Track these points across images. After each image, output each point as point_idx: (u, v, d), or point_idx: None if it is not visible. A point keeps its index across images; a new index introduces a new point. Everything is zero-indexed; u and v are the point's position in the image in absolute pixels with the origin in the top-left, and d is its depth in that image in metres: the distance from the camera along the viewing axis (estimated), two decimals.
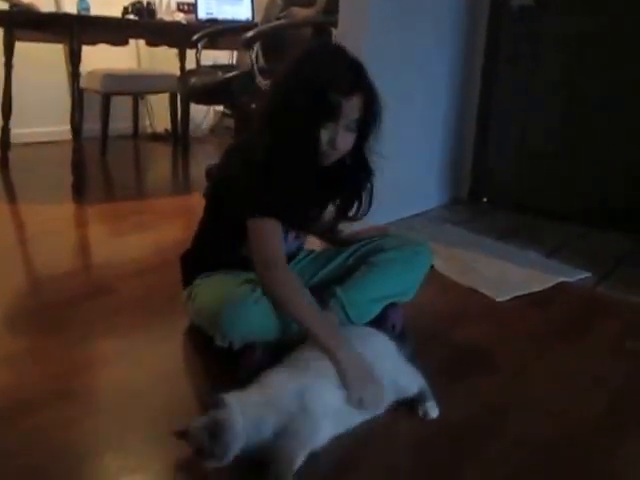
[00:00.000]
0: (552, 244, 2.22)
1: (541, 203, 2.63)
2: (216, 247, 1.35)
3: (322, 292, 1.30)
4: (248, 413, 0.97)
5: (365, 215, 1.34)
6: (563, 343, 1.49)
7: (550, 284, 1.82)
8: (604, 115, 2.41)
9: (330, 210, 1.38)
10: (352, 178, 1.28)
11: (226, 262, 1.32)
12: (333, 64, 1.16)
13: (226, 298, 1.20)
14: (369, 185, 1.31)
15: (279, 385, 1.04)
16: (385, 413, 1.12)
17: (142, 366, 1.30)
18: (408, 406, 1.14)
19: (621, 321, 1.63)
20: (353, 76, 1.15)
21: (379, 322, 1.35)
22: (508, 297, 1.72)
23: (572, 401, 1.23)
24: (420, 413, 1.13)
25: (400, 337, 1.33)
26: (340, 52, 1.19)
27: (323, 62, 1.16)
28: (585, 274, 1.92)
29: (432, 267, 1.48)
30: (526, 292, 1.76)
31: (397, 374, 1.14)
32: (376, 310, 1.34)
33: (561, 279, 1.86)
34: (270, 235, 1.18)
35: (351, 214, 1.33)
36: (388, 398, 1.12)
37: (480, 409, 1.18)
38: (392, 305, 1.39)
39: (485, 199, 2.82)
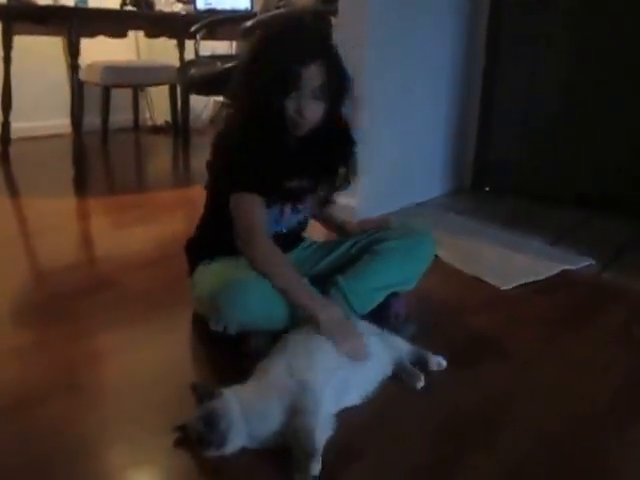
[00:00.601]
0: (556, 231, 2.21)
1: (544, 191, 2.61)
2: (218, 235, 1.35)
3: (324, 281, 1.30)
4: (247, 402, 0.97)
5: (351, 184, 1.37)
6: (569, 331, 1.48)
7: (554, 272, 1.81)
8: (606, 102, 2.38)
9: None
10: (333, 147, 1.31)
11: (228, 249, 1.32)
12: (290, 35, 1.21)
13: (226, 279, 1.21)
14: (352, 153, 1.34)
15: (274, 369, 1.05)
16: (391, 399, 1.13)
17: (146, 358, 1.30)
18: (416, 388, 1.17)
19: (627, 308, 1.62)
20: (311, 45, 1.20)
21: (381, 311, 1.35)
22: (513, 285, 1.71)
23: (579, 389, 1.22)
24: (435, 367, 1.22)
25: (403, 325, 1.32)
26: (299, 24, 1.25)
27: (281, 35, 1.22)
28: (589, 261, 1.91)
29: (436, 256, 1.47)
30: (531, 280, 1.75)
31: (385, 342, 1.21)
32: (378, 299, 1.34)
33: (565, 267, 1.85)
34: (248, 208, 1.22)
35: (338, 184, 1.36)
36: (387, 364, 1.19)
37: (486, 398, 1.18)
38: (394, 294, 1.39)
39: (488, 187, 2.80)
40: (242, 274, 1.21)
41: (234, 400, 0.97)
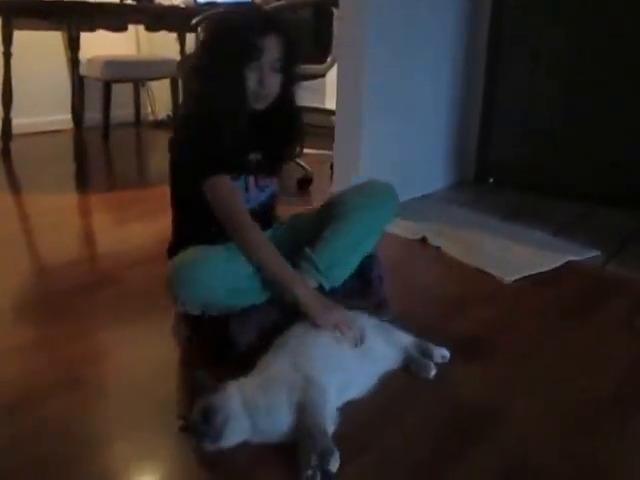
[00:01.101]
0: (559, 223, 2.20)
1: (547, 182, 2.60)
2: (189, 230, 1.36)
3: (295, 257, 1.29)
4: (252, 396, 0.97)
5: (299, 155, 1.43)
6: (573, 322, 1.47)
7: (558, 263, 1.81)
8: (608, 93, 2.37)
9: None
10: (286, 120, 1.35)
11: (201, 241, 1.31)
12: (246, 12, 1.29)
13: (177, 261, 1.21)
14: (299, 125, 1.38)
15: (279, 364, 1.05)
16: (394, 394, 1.13)
17: (148, 355, 1.30)
18: (428, 378, 1.19)
19: (631, 299, 1.61)
20: (264, 19, 1.26)
21: (364, 276, 1.36)
22: (516, 277, 1.70)
23: (583, 381, 1.22)
24: (439, 360, 1.23)
25: (379, 312, 1.33)
26: (250, 4, 1.34)
27: (237, 12, 1.30)
28: (593, 252, 1.90)
29: (398, 236, 1.51)
30: (534, 272, 1.74)
31: (386, 334, 1.23)
32: (349, 262, 1.33)
33: (569, 258, 1.84)
34: (227, 194, 1.24)
35: (284, 154, 1.42)
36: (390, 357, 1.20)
37: (489, 391, 1.18)
38: (369, 257, 1.37)
39: (491, 180, 2.79)
40: (192, 252, 1.22)
41: (236, 394, 0.97)
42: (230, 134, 1.22)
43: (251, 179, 1.34)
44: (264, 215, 1.38)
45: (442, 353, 1.25)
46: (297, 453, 0.94)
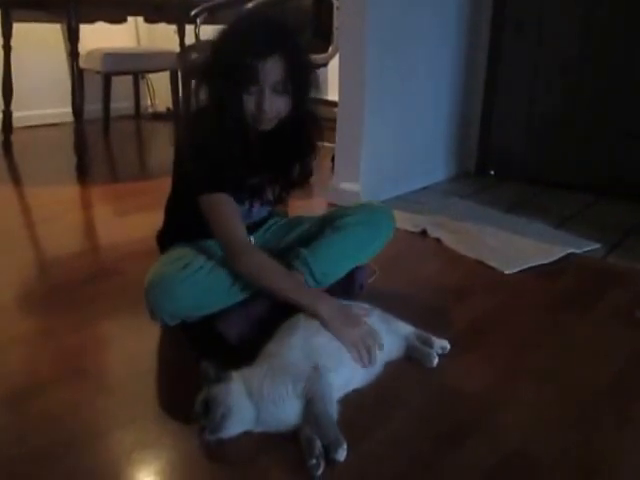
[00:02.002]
0: (560, 215, 2.20)
1: (549, 174, 2.60)
2: (179, 222, 1.37)
3: (287, 255, 1.31)
4: (258, 386, 0.98)
5: (308, 180, 1.37)
6: (573, 314, 1.48)
7: (559, 255, 1.81)
8: (614, 83, 2.36)
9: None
10: (293, 143, 1.29)
11: (199, 234, 1.33)
12: (248, 29, 1.18)
13: (153, 276, 1.22)
14: (309, 152, 1.33)
15: (288, 353, 1.06)
16: (392, 384, 1.14)
17: (149, 344, 1.31)
18: (420, 368, 1.19)
19: (632, 291, 1.62)
20: (269, 39, 1.15)
21: (346, 282, 1.38)
22: (516, 269, 1.71)
23: (582, 371, 1.23)
24: (439, 351, 1.24)
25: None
26: (260, 18, 1.22)
27: (239, 29, 1.19)
28: (594, 245, 1.90)
29: (398, 229, 1.52)
30: (535, 264, 1.75)
31: (388, 324, 1.23)
32: (340, 272, 1.36)
33: (570, 250, 1.85)
34: (227, 216, 1.21)
35: (295, 179, 1.36)
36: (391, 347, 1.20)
37: (486, 382, 1.19)
38: (358, 267, 1.41)
39: (492, 171, 2.79)
40: (168, 269, 1.22)
41: (240, 385, 0.98)
42: (228, 153, 1.19)
43: (256, 203, 1.34)
44: (260, 223, 1.43)
45: (442, 344, 1.26)
46: (300, 442, 0.95)
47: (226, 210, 1.21)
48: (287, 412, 0.98)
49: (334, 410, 1.00)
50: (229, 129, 1.19)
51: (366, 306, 1.27)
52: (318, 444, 0.93)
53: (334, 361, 1.08)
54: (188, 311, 1.23)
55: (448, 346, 1.26)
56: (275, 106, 1.18)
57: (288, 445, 0.97)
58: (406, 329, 1.26)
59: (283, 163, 1.32)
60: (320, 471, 0.90)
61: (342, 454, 0.93)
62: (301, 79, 1.20)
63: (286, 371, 1.02)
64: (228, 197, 1.21)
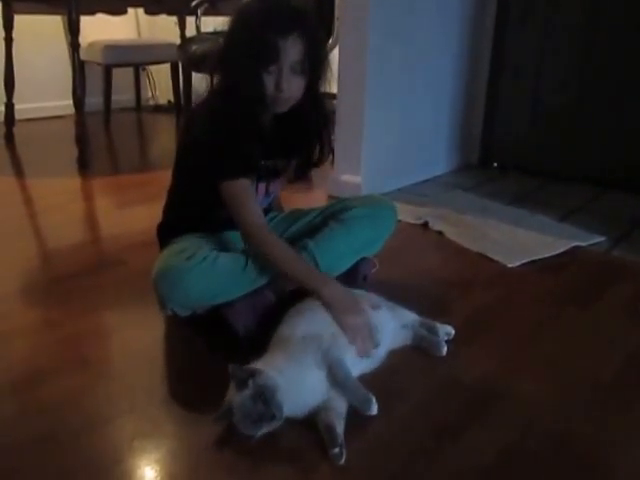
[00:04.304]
0: (565, 208, 2.20)
1: (553, 166, 2.60)
2: (183, 214, 1.38)
3: (292, 245, 1.32)
4: (287, 374, 0.99)
5: (326, 160, 1.39)
6: (576, 307, 1.48)
7: (563, 249, 1.81)
8: (620, 72, 2.35)
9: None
10: (310, 124, 1.31)
11: (194, 227, 1.34)
12: (268, 8, 1.19)
13: (165, 265, 1.23)
14: (327, 130, 1.34)
15: (297, 333, 1.08)
16: (392, 374, 1.16)
17: (151, 334, 1.32)
18: (442, 355, 1.22)
19: (636, 285, 1.62)
20: (289, 17, 1.17)
21: (350, 274, 1.40)
22: (519, 263, 1.71)
23: (586, 364, 1.23)
24: (445, 337, 1.26)
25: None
26: (276, 1, 1.22)
27: (259, 8, 1.20)
28: (599, 238, 1.90)
29: (399, 221, 1.55)
30: (538, 257, 1.75)
31: (392, 311, 1.25)
32: (346, 264, 1.38)
33: (574, 243, 1.85)
34: (246, 199, 1.23)
35: (313, 160, 1.37)
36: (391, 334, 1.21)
37: (487, 375, 1.19)
38: (363, 258, 1.43)
39: (495, 164, 2.78)
40: (175, 260, 1.22)
41: (277, 374, 0.98)
42: (247, 136, 1.20)
43: (261, 186, 1.35)
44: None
45: (447, 330, 1.28)
46: (320, 430, 0.97)
47: (247, 196, 1.23)
48: (312, 388, 0.99)
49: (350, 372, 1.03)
50: (249, 112, 1.19)
51: (376, 297, 1.27)
52: (339, 432, 0.95)
53: (341, 340, 1.09)
54: (197, 300, 1.23)
55: (452, 332, 1.28)
56: (292, 86, 1.19)
57: (292, 434, 0.98)
58: (409, 316, 1.28)
59: (298, 145, 1.34)
60: (343, 459, 0.92)
61: (374, 408, 0.98)
62: (317, 60, 1.21)
63: (302, 347, 1.04)
64: (248, 182, 1.23)
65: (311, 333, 1.08)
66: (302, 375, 1.00)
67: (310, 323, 1.11)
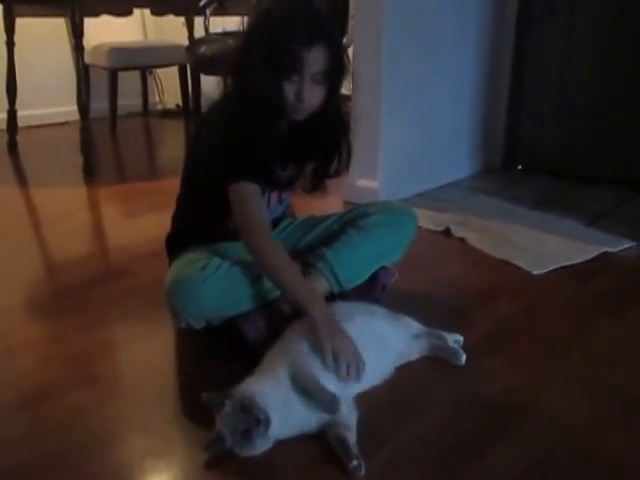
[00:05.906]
0: (593, 212, 2.19)
1: (580, 168, 2.58)
2: (193, 224, 1.39)
3: (308, 255, 1.34)
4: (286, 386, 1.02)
5: (345, 171, 1.39)
6: (606, 317, 1.47)
7: (591, 255, 1.80)
8: None
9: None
10: (329, 133, 1.32)
11: (204, 237, 1.36)
12: (291, 16, 1.19)
13: (177, 276, 1.24)
14: (346, 140, 1.36)
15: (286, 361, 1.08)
16: (419, 388, 1.16)
17: (161, 347, 1.34)
18: (461, 363, 1.23)
19: None
20: (312, 27, 1.18)
21: (369, 283, 1.41)
22: (546, 270, 1.71)
23: (615, 378, 1.23)
24: (455, 345, 1.27)
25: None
26: (298, 5, 1.23)
27: (281, 15, 1.20)
28: (629, 243, 1.89)
29: (419, 228, 1.57)
30: (565, 264, 1.74)
31: (396, 322, 1.25)
32: (365, 273, 1.39)
33: (603, 249, 1.84)
34: (251, 201, 1.23)
35: (331, 171, 1.37)
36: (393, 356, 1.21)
37: (515, 385, 1.19)
38: (382, 267, 1.44)
39: (520, 166, 2.78)
40: (188, 270, 1.24)
41: (250, 384, 1.01)
42: (263, 141, 1.21)
43: (274, 196, 1.36)
44: (275, 223, 1.44)
45: (455, 338, 1.29)
46: (332, 445, 0.98)
47: (253, 198, 1.23)
48: (293, 399, 1.00)
49: (349, 407, 1.04)
50: (266, 118, 1.21)
51: (381, 309, 1.28)
52: (353, 444, 0.97)
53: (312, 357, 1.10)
54: (212, 311, 1.25)
55: (461, 339, 1.29)
56: (313, 96, 1.21)
57: (300, 452, 0.99)
58: (414, 327, 1.28)
59: (314, 153, 1.35)
60: (363, 471, 0.93)
61: (343, 408, 1.00)
62: (338, 70, 1.23)
63: (271, 362, 1.07)
64: (257, 189, 1.24)
65: (282, 350, 1.11)
66: (278, 385, 1.01)
67: (284, 342, 1.14)
